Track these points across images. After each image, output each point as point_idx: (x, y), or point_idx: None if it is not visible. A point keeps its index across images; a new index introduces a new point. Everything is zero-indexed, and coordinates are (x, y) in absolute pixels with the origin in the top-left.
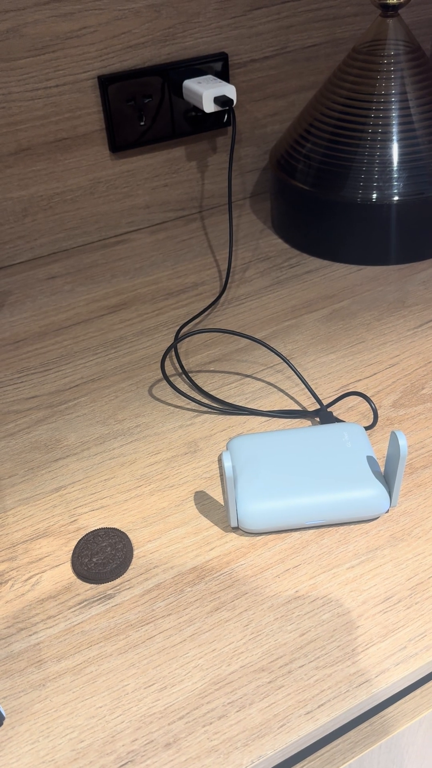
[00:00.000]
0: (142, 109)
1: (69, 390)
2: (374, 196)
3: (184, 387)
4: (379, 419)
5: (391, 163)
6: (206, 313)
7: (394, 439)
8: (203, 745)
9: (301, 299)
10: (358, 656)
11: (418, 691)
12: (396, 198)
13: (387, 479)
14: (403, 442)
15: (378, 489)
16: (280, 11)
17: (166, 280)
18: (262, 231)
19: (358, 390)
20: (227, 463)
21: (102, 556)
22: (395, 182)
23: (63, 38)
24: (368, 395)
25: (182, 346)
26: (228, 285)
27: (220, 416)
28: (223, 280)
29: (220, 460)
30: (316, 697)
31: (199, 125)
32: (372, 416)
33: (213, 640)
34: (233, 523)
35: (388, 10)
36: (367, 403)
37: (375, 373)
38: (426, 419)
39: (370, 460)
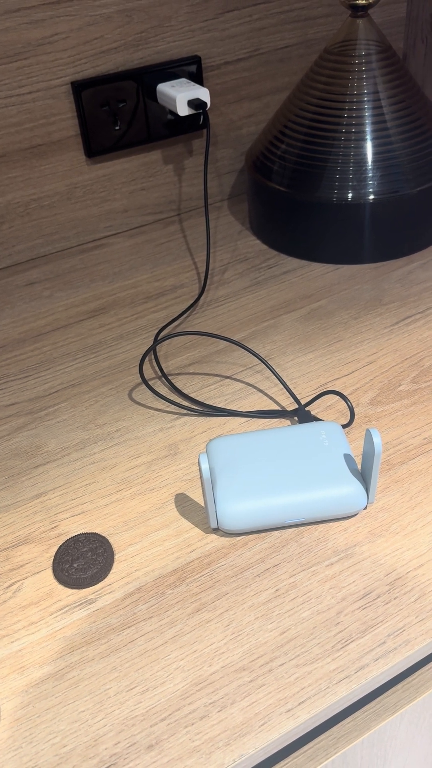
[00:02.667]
0: (117, 113)
1: (49, 396)
2: (349, 195)
3: (163, 390)
4: (356, 417)
5: (365, 162)
6: (185, 315)
7: (369, 436)
8: (185, 746)
9: (280, 299)
10: (337, 653)
11: (399, 685)
12: (371, 197)
13: (364, 476)
14: (377, 439)
15: (355, 486)
16: (252, 14)
17: (145, 284)
18: (240, 232)
19: (336, 388)
20: (204, 465)
21: (83, 562)
22: (370, 181)
23: (35, 45)
24: (346, 393)
25: (162, 349)
26: (207, 287)
27: (200, 418)
28: (202, 282)
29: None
30: (297, 695)
31: (174, 128)
32: (349, 414)
33: (194, 641)
34: (213, 525)
35: (358, 11)
36: (344, 402)
37: (353, 371)
38: (403, 416)
39: (348, 458)
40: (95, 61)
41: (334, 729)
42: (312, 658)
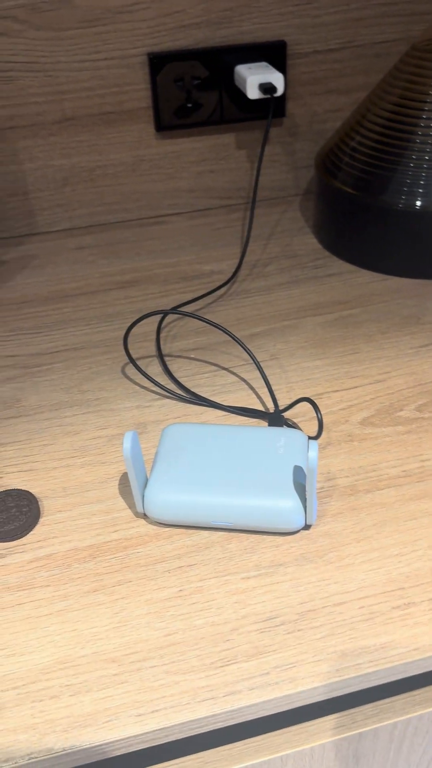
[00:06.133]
0: (191, 90)
1: (48, 354)
2: (417, 203)
3: (155, 369)
4: (340, 434)
5: None
6: (205, 299)
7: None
8: (24, 721)
9: (311, 301)
10: (214, 671)
11: (294, 728)
12: None
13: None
14: (313, 453)
15: (292, 501)
16: (350, 2)
17: (185, 265)
18: (301, 229)
19: (333, 401)
20: (126, 444)
21: (5, 516)
22: None
23: (115, 12)
24: (341, 408)
25: (172, 329)
26: (237, 277)
27: (180, 403)
28: (241, 271)
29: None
30: (154, 702)
31: (251, 113)
32: (330, 426)
33: (78, 620)
34: (139, 509)
35: None
36: (317, 412)
37: (356, 387)
38: (390, 443)
39: (297, 471)
40: (175, 34)
41: (207, 752)
42: (186, 668)
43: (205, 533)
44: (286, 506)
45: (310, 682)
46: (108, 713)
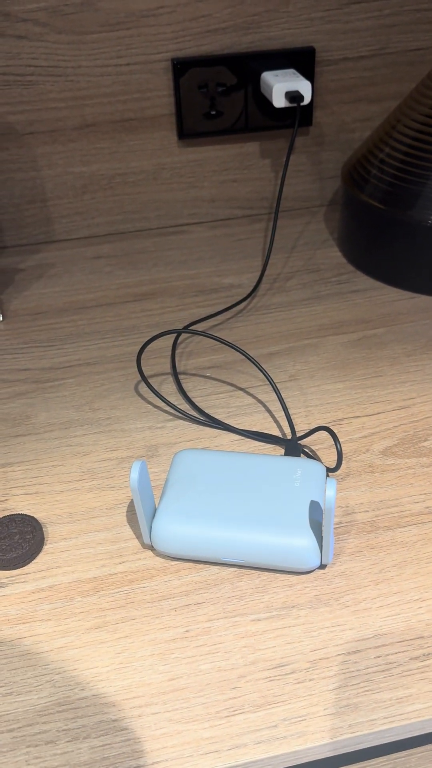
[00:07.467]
0: (215, 97)
1: (61, 369)
2: None
3: (169, 388)
4: (361, 465)
5: None
6: (223, 315)
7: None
8: (18, 767)
9: (333, 319)
10: (219, 721)
11: None
12: None
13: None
14: (331, 492)
15: (307, 540)
16: (382, 8)
17: (204, 277)
18: (325, 241)
19: (354, 427)
20: (133, 475)
21: (7, 543)
22: None
23: (138, 16)
24: (362, 436)
25: (189, 345)
26: (256, 292)
27: (194, 425)
28: (262, 285)
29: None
30: (154, 753)
31: (276, 121)
32: (350, 457)
33: (79, 659)
34: (146, 541)
35: None
36: (337, 442)
37: (379, 413)
38: (414, 475)
39: (314, 507)
40: (200, 39)
41: None
42: (189, 717)
43: (215, 569)
44: (300, 545)
45: (320, 738)
46: (106, 763)
